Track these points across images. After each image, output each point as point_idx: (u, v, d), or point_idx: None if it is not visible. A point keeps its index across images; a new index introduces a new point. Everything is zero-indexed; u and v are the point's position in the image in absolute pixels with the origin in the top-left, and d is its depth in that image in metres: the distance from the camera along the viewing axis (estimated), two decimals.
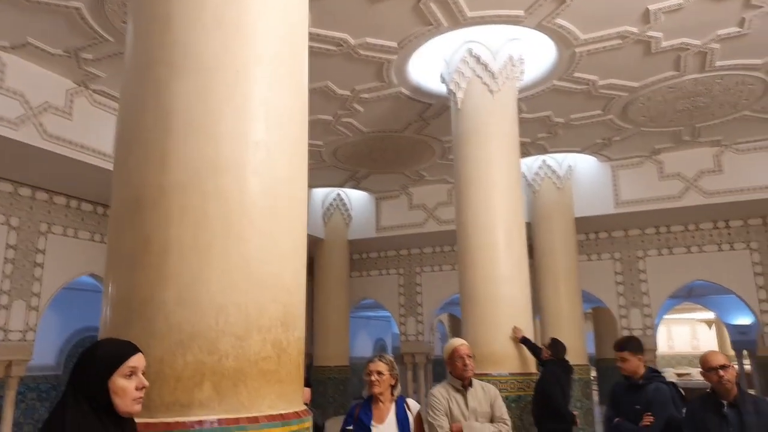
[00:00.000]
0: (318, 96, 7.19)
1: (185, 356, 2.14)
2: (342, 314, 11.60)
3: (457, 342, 3.48)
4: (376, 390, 3.18)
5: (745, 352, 15.11)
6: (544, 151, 9.58)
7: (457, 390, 3.37)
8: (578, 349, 9.27)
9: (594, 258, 11.00)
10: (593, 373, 14.35)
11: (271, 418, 2.15)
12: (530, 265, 7.16)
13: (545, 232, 9.84)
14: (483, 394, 3.39)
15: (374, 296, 12.95)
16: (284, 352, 2.28)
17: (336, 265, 11.80)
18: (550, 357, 5.72)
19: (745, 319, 13.62)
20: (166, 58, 2.43)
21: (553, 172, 9.95)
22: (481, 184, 6.14)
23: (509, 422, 3.36)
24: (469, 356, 3.38)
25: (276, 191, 2.43)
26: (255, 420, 2.12)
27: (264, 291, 2.28)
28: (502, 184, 6.13)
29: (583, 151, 9.62)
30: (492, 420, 3.31)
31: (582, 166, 10.12)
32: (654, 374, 3.78)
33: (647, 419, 3.50)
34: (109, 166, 6.44)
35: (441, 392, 3.37)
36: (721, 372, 3.19)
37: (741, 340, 14.10)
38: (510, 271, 5.96)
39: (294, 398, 2.29)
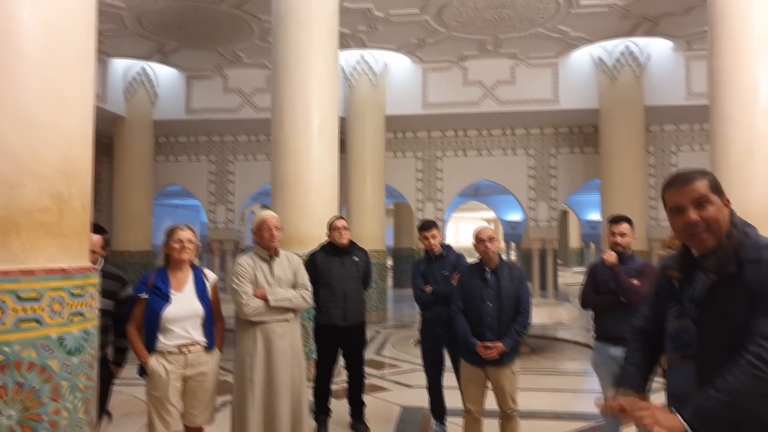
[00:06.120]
0: None
1: None
2: (145, 199, 10.90)
3: (266, 214, 3.52)
4: (186, 256, 3.14)
5: (513, 245, 17.91)
6: (362, 45, 9.64)
7: (263, 259, 3.47)
8: (378, 238, 10.07)
9: (399, 156, 11.73)
10: (390, 262, 15.84)
11: (50, 272, 2.01)
12: (342, 158, 7.41)
13: (358, 127, 10.15)
14: (288, 264, 3.54)
15: (182, 183, 12.33)
16: (66, 204, 2.10)
17: (139, 146, 10.87)
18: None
19: (516, 216, 15.99)
20: None
21: (370, 68, 10.14)
22: (299, 68, 6.05)
23: (310, 288, 3.58)
24: (277, 228, 3.46)
25: (57, 27, 2.13)
26: (30, 272, 1.97)
27: (41, 137, 2.05)
28: (319, 71, 6.11)
29: (398, 49, 9.90)
30: (295, 287, 3.50)
31: (396, 66, 10.45)
32: (449, 246, 4.39)
33: (456, 278, 4.02)
34: None
35: (247, 261, 3.44)
36: (488, 243, 3.76)
37: (512, 233, 16.66)
38: (321, 158, 6.12)
39: (79, 253, 2.16)
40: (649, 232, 10.48)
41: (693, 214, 1.53)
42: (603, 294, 3.75)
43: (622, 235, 3.72)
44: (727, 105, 5.71)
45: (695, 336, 1.53)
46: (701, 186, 1.55)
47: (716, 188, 1.56)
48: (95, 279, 2.23)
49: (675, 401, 1.52)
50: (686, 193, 1.56)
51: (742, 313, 1.45)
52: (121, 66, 10.57)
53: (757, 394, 1.36)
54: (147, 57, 10.31)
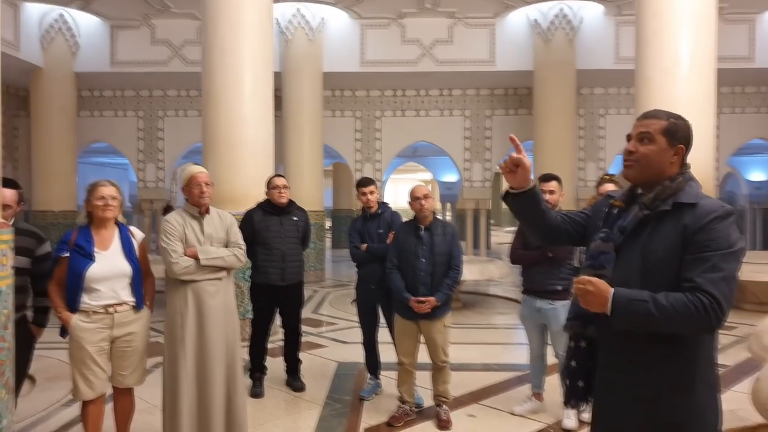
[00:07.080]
0: None
1: None
2: (67, 156, 10.27)
3: (195, 169, 3.36)
4: (110, 214, 2.99)
5: (448, 205, 18.25)
6: None
7: (194, 217, 3.34)
8: (317, 198, 10.01)
9: (338, 114, 11.59)
10: (328, 223, 15.82)
11: None
12: (278, 116, 7.22)
13: (294, 84, 9.91)
14: (219, 221, 3.43)
15: (108, 139, 11.71)
16: None
17: (59, 100, 10.17)
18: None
19: (452, 177, 16.24)
20: None
21: (307, 22, 9.85)
22: (230, 19, 5.79)
23: (244, 246, 3.50)
24: (208, 184, 3.32)
25: None
26: None
27: None
28: (252, 22, 5.88)
29: (336, 4, 9.65)
30: (227, 246, 3.41)
31: (334, 21, 10.20)
32: (386, 204, 4.39)
33: (392, 237, 4.05)
34: None
35: (176, 218, 3.30)
36: (423, 201, 3.81)
37: (447, 194, 16.97)
38: (255, 114, 5.94)
39: None
40: (577, 193, 10.94)
41: (630, 145, 1.67)
42: (531, 250, 3.91)
43: (551, 192, 3.87)
44: (649, 68, 5.95)
45: (611, 260, 1.65)
46: (653, 124, 1.64)
47: (670, 133, 1.64)
48: (8, 235, 2.09)
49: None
50: (638, 126, 1.68)
51: (662, 249, 1.58)
52: (37, 11, 9.76)
53: (676, 326, 1.51)
54: (65, 3, 9.58)
